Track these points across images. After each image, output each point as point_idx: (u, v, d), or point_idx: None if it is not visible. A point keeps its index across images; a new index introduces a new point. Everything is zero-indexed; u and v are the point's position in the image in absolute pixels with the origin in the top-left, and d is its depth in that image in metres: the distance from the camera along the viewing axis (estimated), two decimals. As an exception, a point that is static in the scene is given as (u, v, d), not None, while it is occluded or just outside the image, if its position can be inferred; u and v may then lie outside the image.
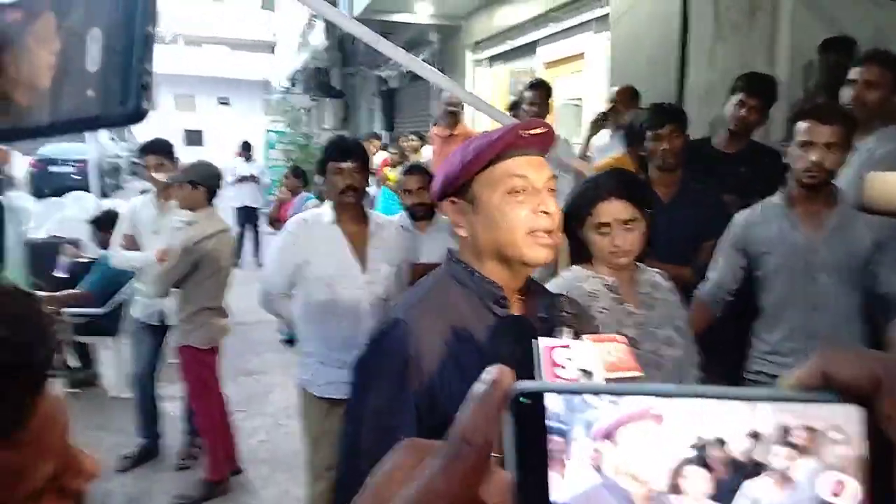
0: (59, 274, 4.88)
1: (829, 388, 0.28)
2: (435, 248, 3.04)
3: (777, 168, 2.93)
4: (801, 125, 2.18)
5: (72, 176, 14.61)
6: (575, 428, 0.30)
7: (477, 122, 6.99)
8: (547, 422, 0.30)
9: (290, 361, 2.88)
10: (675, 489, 0.29)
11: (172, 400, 3.89)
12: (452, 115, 5.46)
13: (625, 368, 1.00)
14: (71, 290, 4.45)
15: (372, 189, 6.87)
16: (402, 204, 3.30)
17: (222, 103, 30.39)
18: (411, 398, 1.15)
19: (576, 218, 1.81)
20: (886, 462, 0.27)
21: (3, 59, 0.66)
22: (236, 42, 30.57)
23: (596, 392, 0.30)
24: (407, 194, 3.18)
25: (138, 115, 0.58)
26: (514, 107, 5.07)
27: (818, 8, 3.76)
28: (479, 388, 0.30)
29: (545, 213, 1.19)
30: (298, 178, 6.55)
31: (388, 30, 9.56)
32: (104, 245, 4.39)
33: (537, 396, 0.30)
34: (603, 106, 4.37)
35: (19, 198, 8.94)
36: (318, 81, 15.66)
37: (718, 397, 0.29)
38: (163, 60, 27.60)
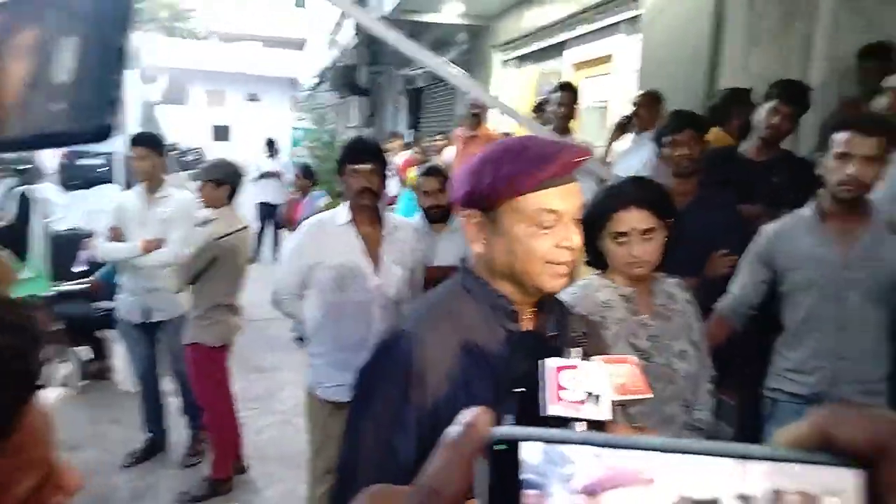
0: (78, 268, 4.90)
1: (827, 449, 0.26)
2: (450, 250, 2.98)
3: (810, 179, 2.81)
4: (840, 136, 2.06)
5: (101, 168, 14.87)
6: (553, 483, 0.28)
7: (502, 124, 6.92)
8: (524, 474, 0.28)
9: (303, 359, 2.85)
10: None
11: (177, 395, 3.87)
12: (475, 117, 5.41)
13: (634, 392, 0.98)
14: (83, 280, 4.45)
15: (395, 188, 6.85)
16: (419, 205, 3.24)
17: (251, 99, 30.70)
18: (412, 413, 1.11)
19: (593, 225, 1.75)
20: None
21: None
22: (268, 39, 30.90)
23: (577, 442, 0.28)
24: (424, 196, 3.13)
25: (103, 132, 0.55)
26: (539, 107, 5.00)
27: (858, 13, 3.62)
28: (452, 431, 0.29)
29: (568, 248, 1.14)
30: (308, 177, 6.53)
31: (416, 30, 9.55)
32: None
33: (513, 444, 0.29)
34: (627, 110, 4.29)
35: (46, 189, 9.10)
36: (345, 79, 15.72)
37: (708, 453, 0.27)
38: (195, 56, 28.08)
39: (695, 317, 1.87)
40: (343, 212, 2.61)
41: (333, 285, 2.52)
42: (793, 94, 2.95)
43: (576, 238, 1.15)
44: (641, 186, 1.78)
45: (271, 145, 9.71)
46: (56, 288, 4.81)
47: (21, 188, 7.59)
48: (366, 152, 2.58)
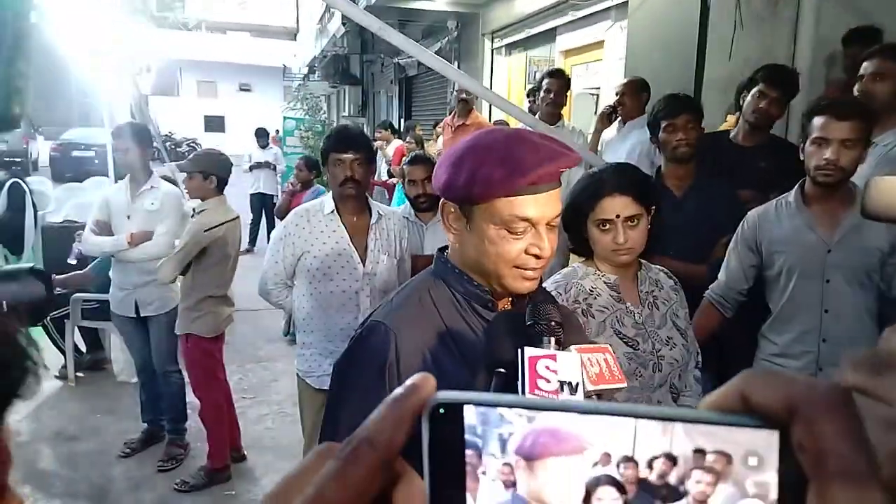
0: (72, 261, 4.91)
1: (747, 412, 0.27)
2: (438, 239, 2.98)
3: (798, 163, 2.83)
4: (817, 121, 2.09)
5: (94, 161, 14.81)
6: (490, 442, 0.29)
7: (493, 111, 6.91)
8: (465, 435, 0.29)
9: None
10: None
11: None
12: (464, 104, 5.41)
13: (610, 381, 0.97)
14: (77, 272, 4.45)
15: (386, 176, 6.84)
16: (406, 194, 3.25)
17: (244, 90, 30.53)
18: (385, 385, 1.12)
19: (578, 213, 1.75)
20: (797, 491, 0.26)
21: None
22: (258, 28, 30.68)
23: (512, 406, 0.29)
24: (411, 185, 3.13)
25: (7, 122, 0.53)
26: (532, 93, 4.99)
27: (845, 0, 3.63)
28: (396, 391, 0.30)
29: (537, 255, 1.13)
30: (311, 169, 6.19)
31: (406, 17, 9.52)
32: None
33: (456, 407, 0.30)
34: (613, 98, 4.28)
35: (39, 182, 9.07)
36: (336, 68, 15.66)
37: (634, 415, 0.28)
38: (186, 47, 27.87)
39: (680, 303, 1.87)
40: (329, 201, 2.62)
41: (320, 274, 2.54)
42: (779, 79, 2.94)
43: (546, 246, 1.14)
44: (624, 173, 1.78)
45: (263, 135, 9.68)
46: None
47: (12, 181, 7.56)
48: (349, 141, 2.58)
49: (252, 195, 9.34)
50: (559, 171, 1.11)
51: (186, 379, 3.61)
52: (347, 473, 0.28)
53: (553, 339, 0.93)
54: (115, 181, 7.72)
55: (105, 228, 3.60)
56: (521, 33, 7.51)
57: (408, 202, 3.25)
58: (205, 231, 3.24)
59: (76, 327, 4.70)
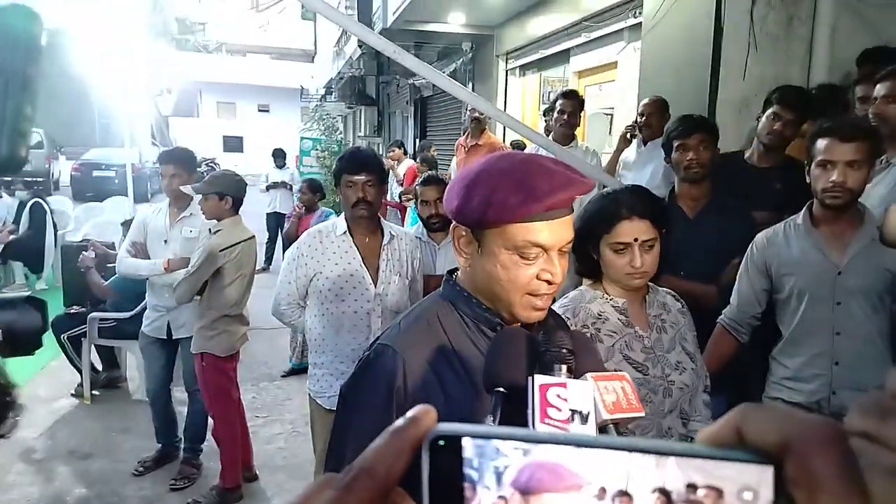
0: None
1: (743, 446, 0.27)
2: (450, 260, 3.00)
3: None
4: (821, 143, 2.08)
5: (114, 181, 15.03)
6: (486, 475, 0.30)
7: (507, 133, 6.94)
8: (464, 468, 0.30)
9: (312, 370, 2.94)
10: None
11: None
12: (477, 124, 5.44)
13: (627, 410, 0.94)
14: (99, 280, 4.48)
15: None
16: (418, 214, 3.26)
17: (262, 110, 30.94)
18: (391, 410, 1.12)
19: (591, 235, 1.72)
20: None
21: None
22: (277, 51, 31.16)
23: (509, 438, 0.30)
24: (423, 205, 3.14)
25: (12, 163, 0.53)
26: (547, 113, 5.00)
27: (858, 17, 3.63)
28: (397, 423, 0.31)
29: (549, 281, 1.13)
30: (315, 192, 6.02)
31: (421, 39, 9.63)
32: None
33: (455, 440, 0.30)
34: (632, 118, 4.27)
35: (60, 202, 9.24)
36: (353, 90, 15.83)
37: (629, 449, 0.28)
38: (206, 69, 28.36)
39: (688, 326, 1.85)
40: (341, 222, 2.64)
41: (332, 295, 2.55)
42: (794, 100, 2.92)
43: (558, 271, 1.13)
44: (643, 197, 1.75)
45: (280, 155, 9.78)
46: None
47: (34, 200, 7.71)
48: (362, 163, 2.59)
49: (268, 214, 9.43)
50: (573, 197, 1.11)
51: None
52: (345, 502, 0.29)
53: (564, 367, 0.91)
54: (135, 202, 7.86)
55: (141, 250, 3.63)
56: (535, 54, 7.56)
57: (420, 222, 3.26)
58: (220, 251, 3.27)
59: (93, 345, 4.73)
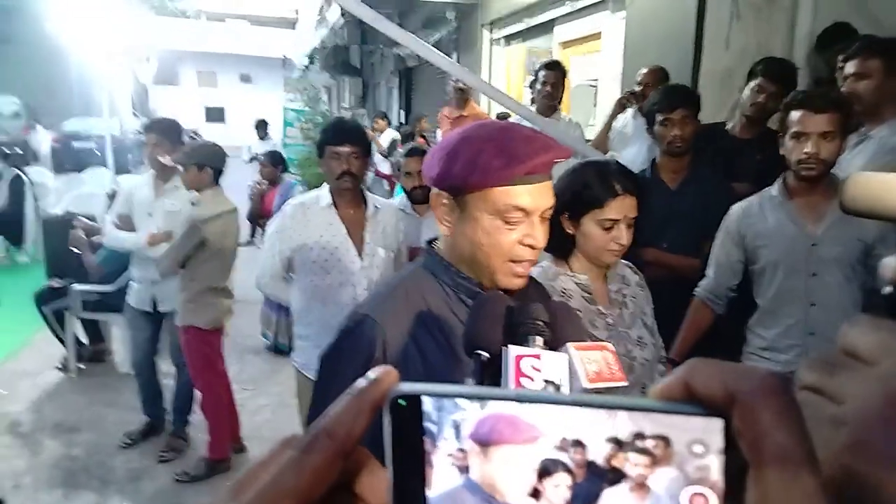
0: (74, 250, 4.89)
1: (691, 400, 0.28)
2: (434, 232, 2.98)
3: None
4: (794, 115, 2.10)
5: (94, 151, 14.80)
6: (445, 429, 0.30)
7: (492, 104, 6.90)
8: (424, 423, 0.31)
9: (298, 342, 2.96)
10: (536, 494, 0.30)
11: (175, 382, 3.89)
12: (461, 94, 5.40)
13: (609, 379, 0.95)
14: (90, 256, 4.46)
15: (387, 167, 6.82)
16: (402, 186, 3.26)
17: (244, 80, 30.46)
18: None
19: (577, 210, 1.69)
20: (740, 477, 0.27)
21: None
22: (258, 18, 30.54)
23: (467, 396, 0.30)
24: (407, 177, 3.14)
25: None
26: (533, 84, 4.95)
27: (843, -12, 3.62)
28: (358, 383, 0.31)
29: (531, 246, 1.15)
30: (276, 165, 5.79)
31: (405, 7, 9.49)
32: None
33: (416, 399, 0.31)
34: (618, 88, 4.25)
35: (40, 174, 9.09)
36: (336, 59, 15.60)
37: (580, 404, 0.29)
38: (185, 36, 27.76)
39: (647, 300, 1.86)
40: (325, 194, 2.63)
41: (317, 268, 2.55)
42: (777, 72, 2.93)
43: (540, 236, 1.16)
44: (630, 175, 1.74)
45: (263, 126, 9.67)
46: None
47: (13, 172, 7.58)
48: (346, 134, 2.58)
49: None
50: (552, 161, 1.14)
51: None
52: (305, 462, 0.29)
53: (540, 339, 0.93)
54: (116, 173, 7.76)
55: (127, 222, 3.62)
56: (519, 24, 7.48)
57: (404, 194, 3.26)
58: (201, 223, 3.25)
59: (77, 318, 4.71)
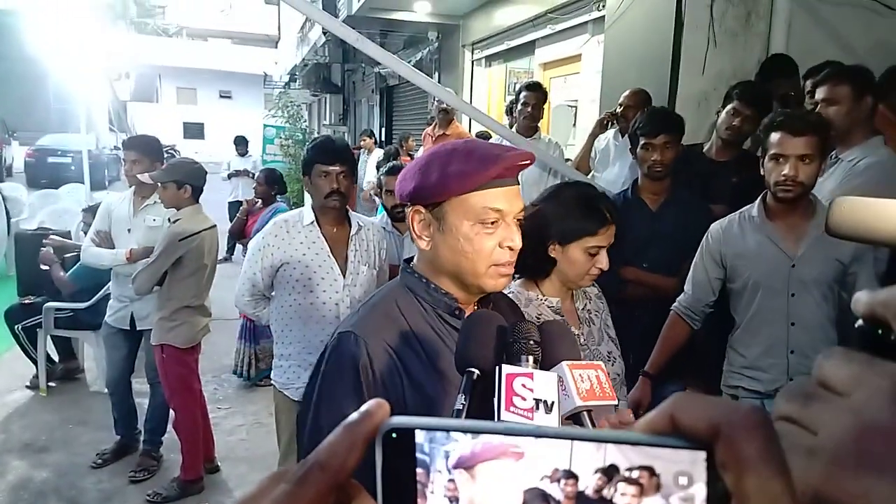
0: (43, 267, 4.81)
1: (676, 433, 0.29)
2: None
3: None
4: (773, 137, 2.12)
5: (70, 167, 14.63)
6: (437, 459, 0.31)
7: (474, 123, 6.95)
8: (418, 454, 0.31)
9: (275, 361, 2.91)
10: None
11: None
12: (444, 115, 5.44)
13: (600, 397, 0.96)
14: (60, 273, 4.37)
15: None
16: (383, 204, 3.25)
17: (224, 97, 30.39)
18: (362, 395, 1.14)
19: (568, 236, 1.70)
20: None
21: None
22: (239, 36, 30.58)
23: (459, 430, 0.31)
24: (388, 195, 3.14)
25: None
26: (511, 110, 5.00)
27: (816, 14, 3.72)
28: (351, 416, 0.31)
29: (511, 248, 1.19)
30: (273, 184, 5.28)
31: (387, 27, 9.56)
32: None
33: (408, 432, 0.31)
34: (597, 109, 4.29)
35: (13, 189, 8.95)
36: (318, 77, 15.65)
37: (571, 438, 0.30)
38: (166, 53, 27.71)
39: (606, 311, 1.90)
40: (308, 212, 2.61)
41: (300, 286, 2.53)
42: (753, 96, 2.99)
43: (517, 239, 1.20)
44: (612, 201, 1.81)
45: (242, 143, 9.64)
46: None
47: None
48: (336, 153, 2.58)
49: (230, 203, 9.29)
50: (519, 163, 1.19)
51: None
52: (298, 495, 0.29)
53: (531, 358, 0.94)
54: (92, 189, 7.66)
55: (105, 239, 3.56)
56: (500, 45, 7.57)
57: (385, 213, 3.26)
58: (180, 240, 3.21)
59: (49, 336, 4.62)
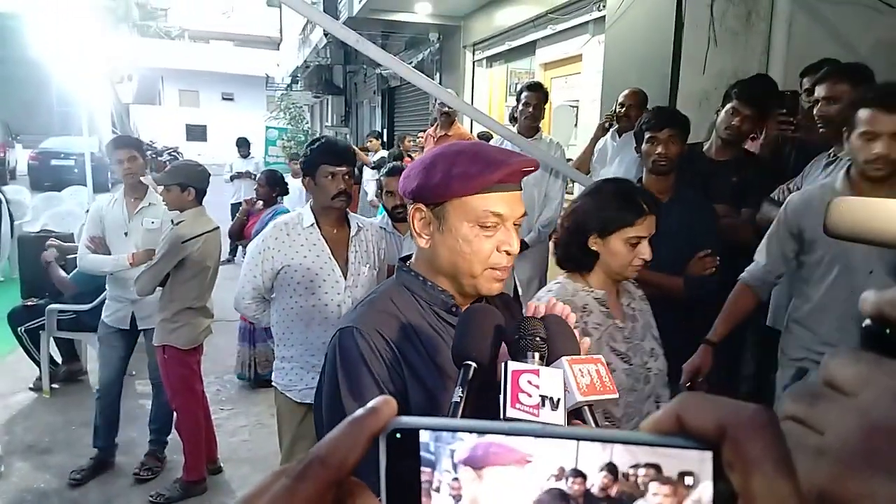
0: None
1: (683, 433, 0.29)
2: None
3: (768, 178, 2.88)
4: (864, 113, 2.01)
5: (73, 170, 14.66)
6: (443, 459, 0.31)
7: (475, 124, 6.95)
8: (421, 453, 0.31)
9: (277, 363, 2.90)
10: None
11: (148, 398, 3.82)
12: (446, 116, 5.44)
13: (601, 392, 0.97)
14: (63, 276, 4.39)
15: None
16: (383, 205, 3.26)
17: (226, 99, 30.44)
18: (379, 382, 1.16)
19: (606, 229, 1.77)
20: None
21: None
22: (241, 38, 30.63)
23: (465, 430, 0.31)
24: (389, 196, 3.14)
25: None
26: (514, 118, 5.00)
27: (816, 13, 3.72)
28: (357, 412, 0.31)
29: (508, 252, 1.20)
30: (274, 186, 5.21)
31: (388, 28, 9.57)
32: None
33: (413, 432, 0.31)
34: (598, 109, 4.30)
35: (16, 191, 8.98)
36: (320, 78, 15.67)
37: (577, 438, 0.30)
38: (168, 55, 27.77)
39: (650, 313, 1.93)
40: (307, 214, 2.61)
41: (301, 288, 2.53)
42: (752, 95, 2.98)
43: (515, 243, 1.21)
44: (651, 194, 1.86)
45: (244, 144, 9.65)
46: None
47: (-11, 191, 7.47)
48: (342, 155, 2.58)
49: (233, 205, 9.30)
50: (523, 170, 1.19)
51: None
52: (297, 491, 0.29)
53: (537, 355, 0.94)
54: (94, 192, 7.68)
55: (100, 245, 3.50)
56: (501, 46, 7.58)
57: (386, 213, 3.26)
58: (183, 242, 3.22)
59: (52, 338, 4.63)
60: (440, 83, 8.06)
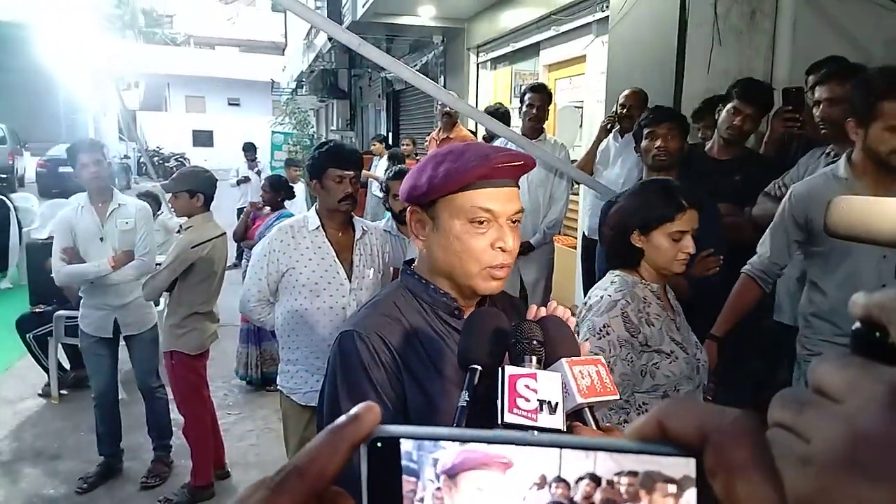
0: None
1: (665, 440, 0.29)
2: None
3: (770, 177, 2.87)
4: (889, 106, 1.97)
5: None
6: (426, 468, 0.30)
7: (479, 126, 6.95)
8: (403, 462, 0.30)
9: (283, 367, 2.90)
10: None
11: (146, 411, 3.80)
12: (448, 118, 5.45)
13: (601, 393, 0.96)
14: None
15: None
16: (388, 208, 3.26)
17: (232, 104, 30.56)
18: (377, 387, 1.16)
19: (647, 225, 1.81)
20: None
21: None
22: (246, 43, 30.77)
23: (446, 439, 0.30)
24: (394, 199, 3.15)
25: None
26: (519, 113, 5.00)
27: (821, 12, 3.70)
28: (338, 420, 0.30)
29: (502, 249, 1.18)
30: (278, 191, 5.12)
31: (392, 32, 9.58)
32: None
33: (394, 441, 0.31)
34: (602, 109, 4.29)
35: (25, 199, 9.04)
36: (325, 83, 15.71)
37: (559, 446, 0.30)
38: (174, 62, 27.91)
39: (681, 311, 1.98)
40: (313, 217, 2.62)
41: (307, 291, 2.53)
42: (754, 94, 2.97)
43: (510, 240, 1.19)
44: (692, 189, 1.88)
45: (250, 149, 9.68)
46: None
47: (-2, 198, 7.52)
48: (350, 158, 2.60)
49: (239, 209, 9.32)
50: (517, 164, 1.18)
51: (170, 395, 3.58)
52: (275, 503, 0.29)
53: (534, 359, 0.94)
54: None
55: (73, 255, 3.38)
56: (505, 48, 7.57)
57: (391, 216, 3.26)
58: (191, 248, 3.23)
59: (60, 344, 4.65)
60: (444, 86, 8.07)
